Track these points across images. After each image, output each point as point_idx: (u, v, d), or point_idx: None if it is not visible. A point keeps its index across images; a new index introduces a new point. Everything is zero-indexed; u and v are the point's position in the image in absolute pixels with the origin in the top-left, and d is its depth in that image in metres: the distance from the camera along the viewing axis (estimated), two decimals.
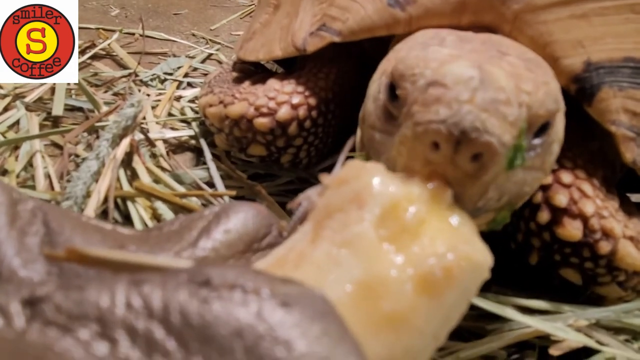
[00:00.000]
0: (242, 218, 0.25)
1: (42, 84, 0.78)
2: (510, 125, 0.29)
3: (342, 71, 0.56)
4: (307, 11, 0.52)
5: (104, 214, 0.53)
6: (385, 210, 0.23)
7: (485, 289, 0.47)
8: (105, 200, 0.53)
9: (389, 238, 0.22)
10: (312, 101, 0.52)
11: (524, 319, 0.41)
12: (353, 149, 0.47)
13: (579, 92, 0.42)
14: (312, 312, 0.16)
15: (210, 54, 1.07)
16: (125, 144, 0.59)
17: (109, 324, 0.15)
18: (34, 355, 0.14)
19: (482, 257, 0.23)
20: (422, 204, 0.23)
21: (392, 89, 0.34)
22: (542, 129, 0.33)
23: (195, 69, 0.97)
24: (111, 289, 0.16)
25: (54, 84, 0.76)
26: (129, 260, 0.21)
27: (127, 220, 0.53)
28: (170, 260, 0.22)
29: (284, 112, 0.52)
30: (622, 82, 0.42)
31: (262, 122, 0.52)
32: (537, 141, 0.33)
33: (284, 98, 0.52)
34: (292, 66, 0.65)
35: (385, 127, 0.35)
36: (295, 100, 0.52)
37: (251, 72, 0.66)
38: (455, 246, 0.22)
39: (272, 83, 0.55)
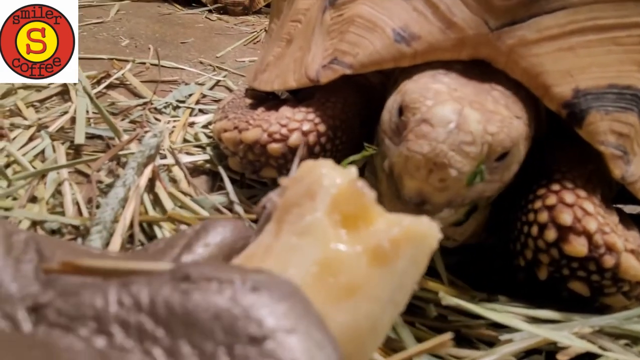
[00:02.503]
0: (220, 232, 0.28)
1: (63, 114, 0.82)
2: (471, 159, 0.41)
3: (348, 100, 0.60)
4: (319, 45, 0.57)
5: (130, 238, 0.56)
6: (334, 199, 0.25)
7: (493, 300, 0.51)
8: (131, 224, 0.57)
9: (341, 222, 0.25)
10: (321, 128, 0.56)
11: (532, 328, 0.44)
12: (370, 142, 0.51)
13: (570, 117, 0.47)
14: (279, 294, 0.18)
15: (218, 81, 1.12)
16: (148, 171, 0.62)
17: (104, 320, 0.18)
18: (43, 351, 0.17)
19: (428, 229, 0.25)
20: (368, 192, 0.27)
21: (400, 111, 0.45)
22: (502, 156, 0.44)
23: (204, 96, 1.02)
24: (104, 291, 0.18)
25: (75, 114, 0.81)
26: (117, 267, 0.23)
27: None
28: (153, 264, 0.24)
29: (295, 139, 0.55)
30: (608, 106, 0.46)
31: (274, 147, 0.56)
32: (497, 164, 0.44)
33: (295, 125, 0.56)
34: (298, 92, 0.68)
35: (393, 136, 0.46)
36: (306, 127, 0.56)
37: (262, 98, 0.70)
38: (400, 222, 0.25)
39: (284, 111, 0.58)
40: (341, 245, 0.24)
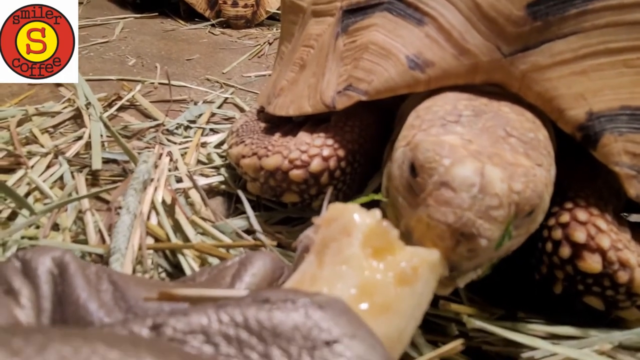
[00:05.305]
0: (262, 264, 0.33)
1: (77, 139, 0.83)
2: (500, 223, 0.38)
3: (365, 123, 0.61)
4: (333, 71, 0.58)
5: (140, 264, 0.57)
6: (366, 236, 0.31)
7: (512, 316, 0.52)
8: (153, 250, 0.58)
9: (372, 254, 0.30)
10: (341, 153, 0.57)
11: (554, 347, 0.45)
12: (376, 190, 0.52)
13: (584, 139, 0.48)
14: (338, 310, 0.23)
15: (226, 98, 1.13)
16: (148, 198, 0.63)
17: (210, 334, 0.22)
18: (178, 352, 0.21)
19: (437, 259, 0.33)
20: (392, 230, 0.32)
21: (413, 169, 0.41)
22: (529, 213, 0.41)
23: (214, 114, 1.03)
24: (206, 312, 0.23)
25: (89, 139, 0.82)
26: (204, 295, 0.28)
27: (176, 268, 0.57)
28: (231, 292, 0.31)
29: (316, 164, 0.56)
30: (621, 127, 0.47)
31: (296, 173, 0.57)
32: (524, 220, 0.41)
33: (316, 151, 0.57)
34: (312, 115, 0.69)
35: (407, 196, 0.42)
36: (326, 152, 0.57)
37: (276, 120, 0.71)
38: (418, 253, 0.31)
39: (303, 136, 0.59)
40: (374, 273, 0.30)
